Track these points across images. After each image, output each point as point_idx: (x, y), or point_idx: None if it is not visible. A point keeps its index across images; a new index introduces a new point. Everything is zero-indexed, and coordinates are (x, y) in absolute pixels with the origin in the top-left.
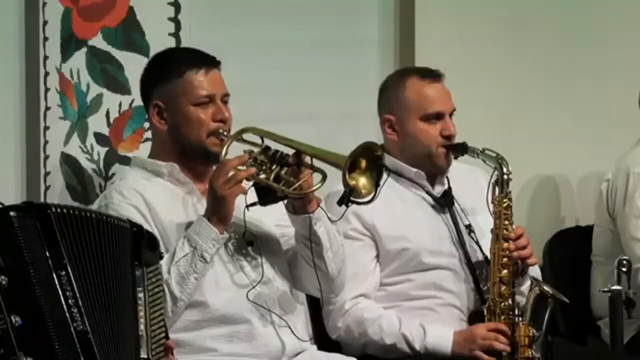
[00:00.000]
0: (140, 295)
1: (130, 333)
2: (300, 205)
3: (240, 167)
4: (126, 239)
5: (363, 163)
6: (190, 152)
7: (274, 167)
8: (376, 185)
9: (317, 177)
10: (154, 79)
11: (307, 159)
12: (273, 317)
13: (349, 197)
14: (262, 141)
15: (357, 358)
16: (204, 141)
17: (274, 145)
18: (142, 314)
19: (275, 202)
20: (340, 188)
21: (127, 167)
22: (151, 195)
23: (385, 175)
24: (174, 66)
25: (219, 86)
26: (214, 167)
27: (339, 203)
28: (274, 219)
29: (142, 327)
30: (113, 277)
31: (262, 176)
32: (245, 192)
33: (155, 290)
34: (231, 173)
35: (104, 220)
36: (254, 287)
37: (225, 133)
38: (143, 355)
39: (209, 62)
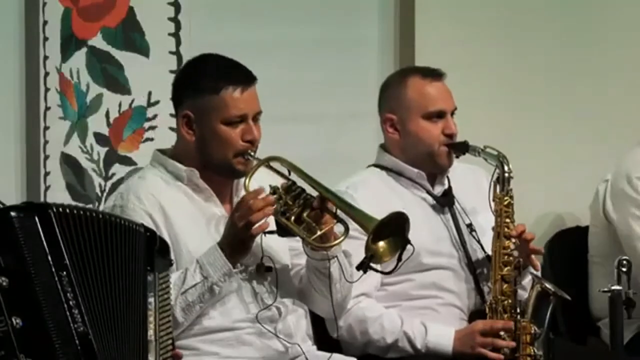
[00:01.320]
0: (151, 300)
1: (136, 336)
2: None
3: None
4: (139, 242)
5: (388, 231)
6: (213, 167)
7: (297, 208)
8: (399, 258)
9: (339, 227)
10: (188, 89)
11: (331, 206)
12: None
13: (369, 263)
14: (289, 173)
15: (358, 358)
16: (231, 160)
17: (299, 182)
18: (151, 319)
19: (293, 236)
20: (342, 189)
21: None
22: (168, 200)
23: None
24: (210, 80)
25: (252, 105)
26: (234, 181)
27: (358, 268)
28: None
29: (151, 332)
30: (121, 279)
31: (284, 219)
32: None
33: (165, 296)
34: (255, 215)
35: (113, 221)
36: (262, 310)
37: (252, 153)
38: (151, 359)
39: (246, 80)
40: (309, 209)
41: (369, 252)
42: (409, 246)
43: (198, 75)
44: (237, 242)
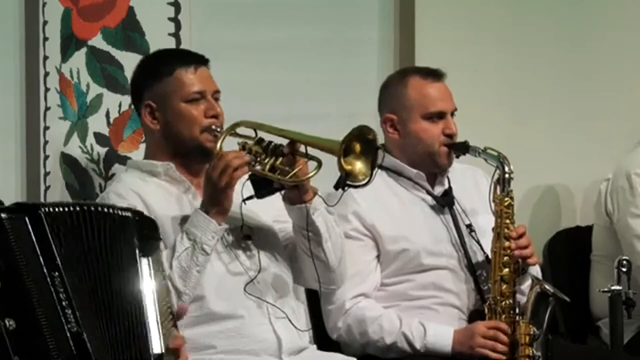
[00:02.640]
0: (149, 284)
1: (134, 328)
2: (296, 196)
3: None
4: (130, 230)
5: (357, 147)
6: (184, 150)
7: (269, 157)
8: (372, 167)
9: (312, 164)
10: (145, 80)
11: (302, 148)
12: (269, 309)
13: (345, 181)
14: (256, 134)
15: (357, 358)
16: (198, 137)
17: (268, 137)
18: (152, 303)
19: (272, 194)
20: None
21: (122, 167)
22: (148, 195)
23: (380, 158)
24: (163, 66)
25: (209, 83)
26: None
27: (336, 187)
28: (272, 215)
29: (153, 317)
30: (114, 272)
31: (258, 167)
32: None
33: (161, 276)
34: (228, 165)
35: (103, 212)
36: (252, 281)
37: (218, 129)
38: (155, 343)
39: (198, 60)
40: (280, 156)
41: (344, 172)
42: (410, 247)
43: (152, 64)
44: (216, 195)
